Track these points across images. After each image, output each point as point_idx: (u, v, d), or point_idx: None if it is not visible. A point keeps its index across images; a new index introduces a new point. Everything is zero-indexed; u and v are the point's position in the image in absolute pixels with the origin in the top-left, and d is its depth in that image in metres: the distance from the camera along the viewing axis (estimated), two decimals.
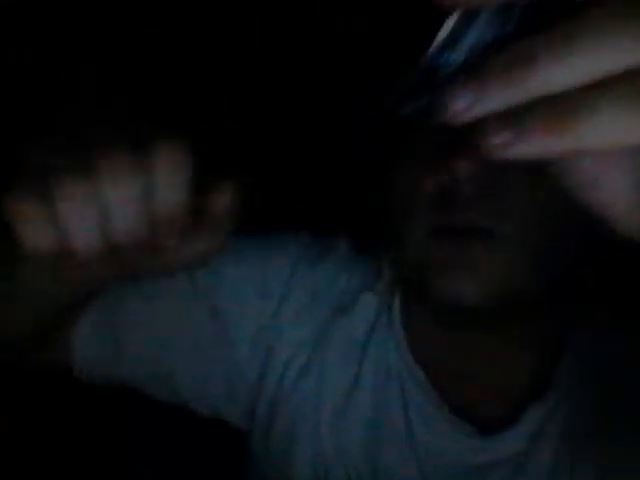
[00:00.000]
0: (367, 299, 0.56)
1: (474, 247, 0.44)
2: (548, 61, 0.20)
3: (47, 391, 0.74)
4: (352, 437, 0.53)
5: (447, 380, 0.52)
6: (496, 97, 0.21)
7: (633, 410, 0.49)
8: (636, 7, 0.19)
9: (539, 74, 0.20)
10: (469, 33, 0.23)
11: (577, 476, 0.49)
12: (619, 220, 0.24)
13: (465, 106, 0.21)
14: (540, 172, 0.27)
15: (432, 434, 0.51)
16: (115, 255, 0.32)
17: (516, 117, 0.21)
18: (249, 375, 0.56)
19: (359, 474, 0.52)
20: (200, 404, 0.58)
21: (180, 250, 0.35)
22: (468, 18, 0.23)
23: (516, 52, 0.21)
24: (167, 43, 0.91)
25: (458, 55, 0.23)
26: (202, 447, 0.71)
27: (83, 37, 0.89)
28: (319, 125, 0.89)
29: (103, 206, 0.30)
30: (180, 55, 0.92)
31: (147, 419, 0.70)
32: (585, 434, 0.49)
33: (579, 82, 0.20)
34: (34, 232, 0.30)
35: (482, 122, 0.23)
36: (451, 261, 0.45)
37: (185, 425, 0.67)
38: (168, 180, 0.30)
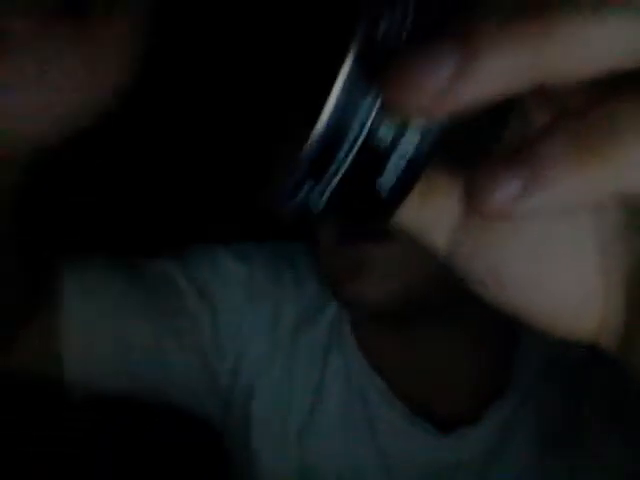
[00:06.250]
0: (330, 309, 0.57)
1: (370, 248, 0.45)
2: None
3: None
4: (319, 447, 0.53)
5: (406, 382, 0.53)
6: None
7: (600, 407, 0.50)
8: None
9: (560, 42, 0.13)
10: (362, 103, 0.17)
11: (547, 476, 0.49)
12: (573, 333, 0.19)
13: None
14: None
15: (397, 438, 0.52)
16: None
17: (519, 153, 0.14)
18: (222, 377, 0.57)
19: None
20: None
21: None
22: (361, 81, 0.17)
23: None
24: None
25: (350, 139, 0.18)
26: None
27: None
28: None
29: None
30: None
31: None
32: (553, 433, 0.50)
33: (599, 70, 0.14)
34: None
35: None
36: (351, 264, 0.46)
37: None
38: None
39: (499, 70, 0.13)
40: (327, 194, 0.19)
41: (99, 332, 0.48)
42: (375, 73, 0.17)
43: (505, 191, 0.14)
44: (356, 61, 0.17)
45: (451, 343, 0.52)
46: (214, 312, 0.55)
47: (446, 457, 0.50)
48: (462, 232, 0.20)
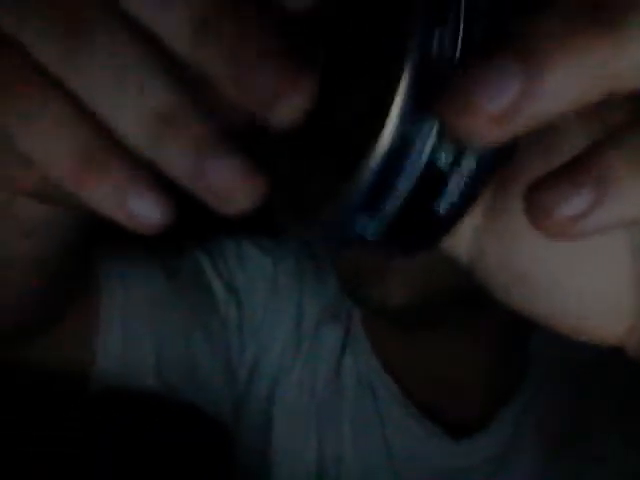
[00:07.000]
0: (345, 306, 0.58)
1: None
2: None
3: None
4: (334, 448, 0.54)
5: (415, 383, 0.54)
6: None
7: (605, 409, 0.51)
8: None
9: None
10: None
11: (554, 478, 0.50)
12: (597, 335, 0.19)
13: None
14: None
15: (406, 439, 0.52)
16: None
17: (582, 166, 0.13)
18: (241, 373, 0.57)
19: None
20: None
21: None
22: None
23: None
24: None
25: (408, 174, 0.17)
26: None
27: None
28: None
29: None
30: None
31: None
32: (559, 435, 0.51)
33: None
34: None
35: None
36: (373, 268, 0.47)
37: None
38: None
39: (567, 87, 0.13)
40: (384, 224, 0.18)
41: (136, 327, 0.49)
42: (433, 93, 0.15)
43: (574, 206, 0.13)
44: (413, 82, 0.15)
45: (454, 344, 0.53)
46: (239, 306, 0.55)
47: (455, 462, 0.51)
48: (486, 239, 0.19)
